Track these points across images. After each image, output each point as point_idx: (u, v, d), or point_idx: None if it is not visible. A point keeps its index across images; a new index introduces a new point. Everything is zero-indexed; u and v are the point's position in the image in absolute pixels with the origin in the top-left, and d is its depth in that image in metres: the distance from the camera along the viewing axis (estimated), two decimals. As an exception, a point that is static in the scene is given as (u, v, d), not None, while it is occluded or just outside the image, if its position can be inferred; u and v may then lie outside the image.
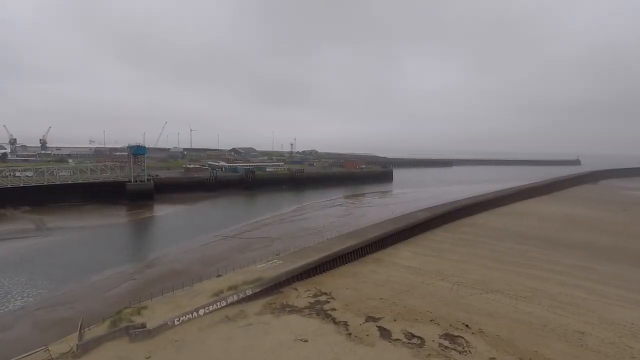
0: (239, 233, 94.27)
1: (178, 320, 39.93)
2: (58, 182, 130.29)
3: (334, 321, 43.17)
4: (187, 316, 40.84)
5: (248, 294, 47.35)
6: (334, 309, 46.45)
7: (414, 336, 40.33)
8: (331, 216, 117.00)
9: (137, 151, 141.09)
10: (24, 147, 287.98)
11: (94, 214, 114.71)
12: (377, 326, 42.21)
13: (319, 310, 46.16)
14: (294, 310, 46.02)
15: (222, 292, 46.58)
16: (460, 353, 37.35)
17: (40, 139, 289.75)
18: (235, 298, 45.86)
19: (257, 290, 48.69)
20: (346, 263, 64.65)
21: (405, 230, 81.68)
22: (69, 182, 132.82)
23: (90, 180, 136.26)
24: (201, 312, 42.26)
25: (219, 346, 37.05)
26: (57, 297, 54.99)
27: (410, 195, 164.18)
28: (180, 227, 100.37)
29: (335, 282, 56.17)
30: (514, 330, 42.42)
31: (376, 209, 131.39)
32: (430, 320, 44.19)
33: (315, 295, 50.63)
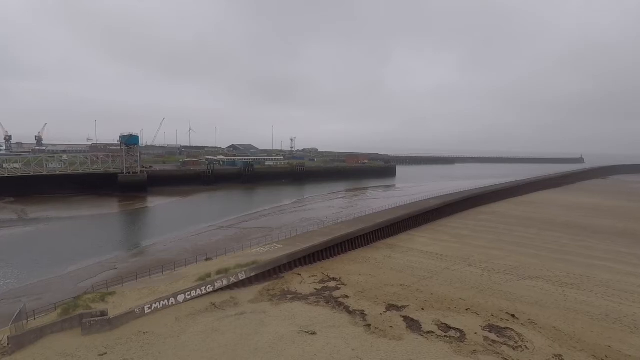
0: (236, 223, 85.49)
1: (150, 308, 30.88)
2: (45, 173, 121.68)
3: (348, 310, 34.11)
4: (161, 303, 31.78)
5: (241, 278, 38.33)
6: (346, 296, 37.39)
7: (450, 328, 31.31)
8: (334, 207, 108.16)
9: (130, 141, 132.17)
10: (19, 144, 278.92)
11: (82, 205, 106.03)
12: (402, 316, 33.17)
13: (327, 297, 37.09)
14: (297, 297, 36.94)
15: (209, 276, 37.62)
16: (513, 349, 28.35)
17: (35, 136, 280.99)
18: (225, 283, 36.81)
19: (252, 274, 39.67)
20: (355, 248, 55.65)
21: (418, 216, 72.67)
22: (57, 173, 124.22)
23: (80, 172, 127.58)
24: (181, 298, 33.18)
25: (199, 340, 28.00)
26: (26, 288, 46.55)
27: (415, 189, 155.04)
28: (173, 218, 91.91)
29: (344, 267, 47.13)
30: (573, 322, 33.41)
31: (381, 200, 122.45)
32: (467, 310, 35.15)
33: (322, 281, 41.56)
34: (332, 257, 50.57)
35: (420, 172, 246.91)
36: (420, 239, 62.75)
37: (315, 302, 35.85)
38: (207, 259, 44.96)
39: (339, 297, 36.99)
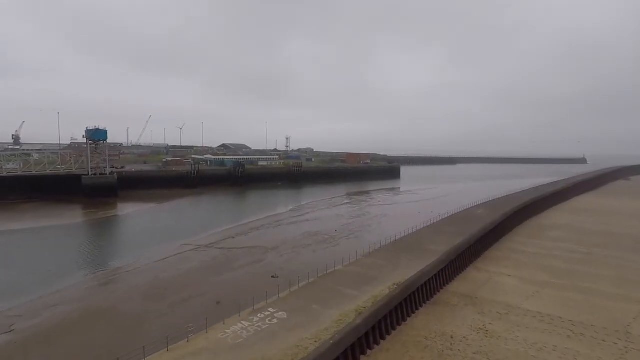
0: (219, 240, 61.00)
1: None
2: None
3: None
4: None
5: None
6: None
7: None
8: (343, 217, 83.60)
9: (96, 136, 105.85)
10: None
11: (25, 215, 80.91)
12: None
13: None
14: None
15: None
16: None
17: (12, 135, 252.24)
18: None
19: None
20: (414, 310, 30.61)
21: (480, 239, 47.92)
22: (5, 174, 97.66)
23: (34, 173, 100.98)
24: None
25: None
26: None
27: (429, 192, 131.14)
28: (141, 232, 68.09)
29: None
30: None
31: (396, 207, 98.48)
32: None
33: None
34: (382, 338, 25.46)
35: (424, 173, 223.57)
36: (505, 280, 37.74)
37: None
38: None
39: None
